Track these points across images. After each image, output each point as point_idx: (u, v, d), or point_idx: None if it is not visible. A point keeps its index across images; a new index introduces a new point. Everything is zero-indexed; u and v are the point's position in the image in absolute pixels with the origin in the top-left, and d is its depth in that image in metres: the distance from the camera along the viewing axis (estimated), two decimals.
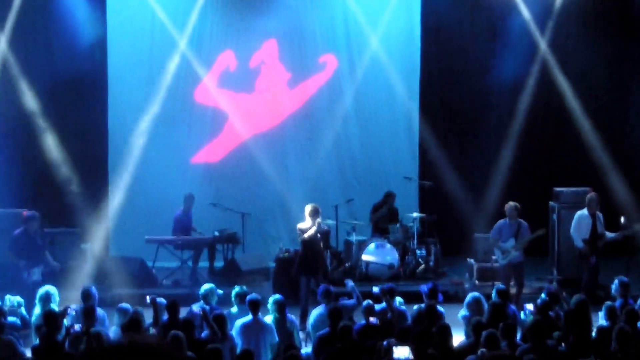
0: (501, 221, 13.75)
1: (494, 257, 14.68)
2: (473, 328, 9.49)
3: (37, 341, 9.86)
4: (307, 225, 13.05)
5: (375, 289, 11.26)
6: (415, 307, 10.52)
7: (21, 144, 16.51)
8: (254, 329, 9.95)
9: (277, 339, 9.97)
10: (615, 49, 17.37)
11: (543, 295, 10.89)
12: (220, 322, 9.61)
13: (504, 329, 9.12)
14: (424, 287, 11.22)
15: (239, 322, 10.08)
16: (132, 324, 9.20)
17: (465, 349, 9.14)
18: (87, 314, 9.97)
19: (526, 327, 9.27)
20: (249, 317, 10.10)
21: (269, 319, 10.33)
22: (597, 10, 17.14)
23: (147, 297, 10.58)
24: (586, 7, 17.04)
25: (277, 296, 10.66)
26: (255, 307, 10.16)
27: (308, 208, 13.08)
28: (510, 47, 17.11)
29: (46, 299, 10.82)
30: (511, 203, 13.67)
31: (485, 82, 17.36)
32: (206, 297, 10.79)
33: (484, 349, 8.44)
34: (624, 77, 17.66)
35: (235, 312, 10.68)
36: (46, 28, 16.61)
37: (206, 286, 11.06)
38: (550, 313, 10.15)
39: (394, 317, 10.55)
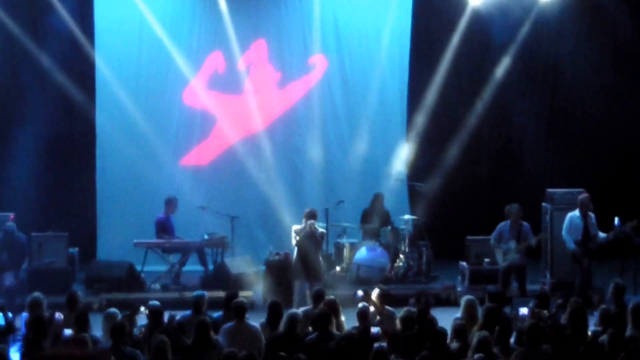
0: (502, 223, 13.64)
1: (486, 260, 14.56)
2: (455, 332, 9.37)
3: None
4: (301, 228, 13.12)
5: (360, 293, 11.21)
6: (403, 310, 10.30)
7: (9, 147, 16.34)
8: (238, 334, 9.75)
9: (264, 342, 9.77)
10: (609, 48, 17.28)
11: (535, 298, 10.77)
12: (204, 329, 9.39)
13: (500, 333, 9.00)
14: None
15: (223, 327, 9.90)
16: (117, 329, 9.04)
17: (454, 353, 9.00)
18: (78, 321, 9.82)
19: (522, 331, 9.15)
20: (234, 321, 9.91)
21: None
22: (593, 6, 17.04)
23: (142, 307, 10.41)
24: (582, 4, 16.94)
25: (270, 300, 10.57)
26: (241, 311, 9.96)
27: (305, 211, 13.11)
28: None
29: (36, 305, 10.66)
30: (514, 205, 13.55)
31: (475, 83, 17.25)
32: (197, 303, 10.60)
33: (480, 354, 8.31)
34: (618, 76, 17.56)
35: (222, 316, 10.51)
36: (34, 29, 16.39)
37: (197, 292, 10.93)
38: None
39: (384, 319, 10.45)
